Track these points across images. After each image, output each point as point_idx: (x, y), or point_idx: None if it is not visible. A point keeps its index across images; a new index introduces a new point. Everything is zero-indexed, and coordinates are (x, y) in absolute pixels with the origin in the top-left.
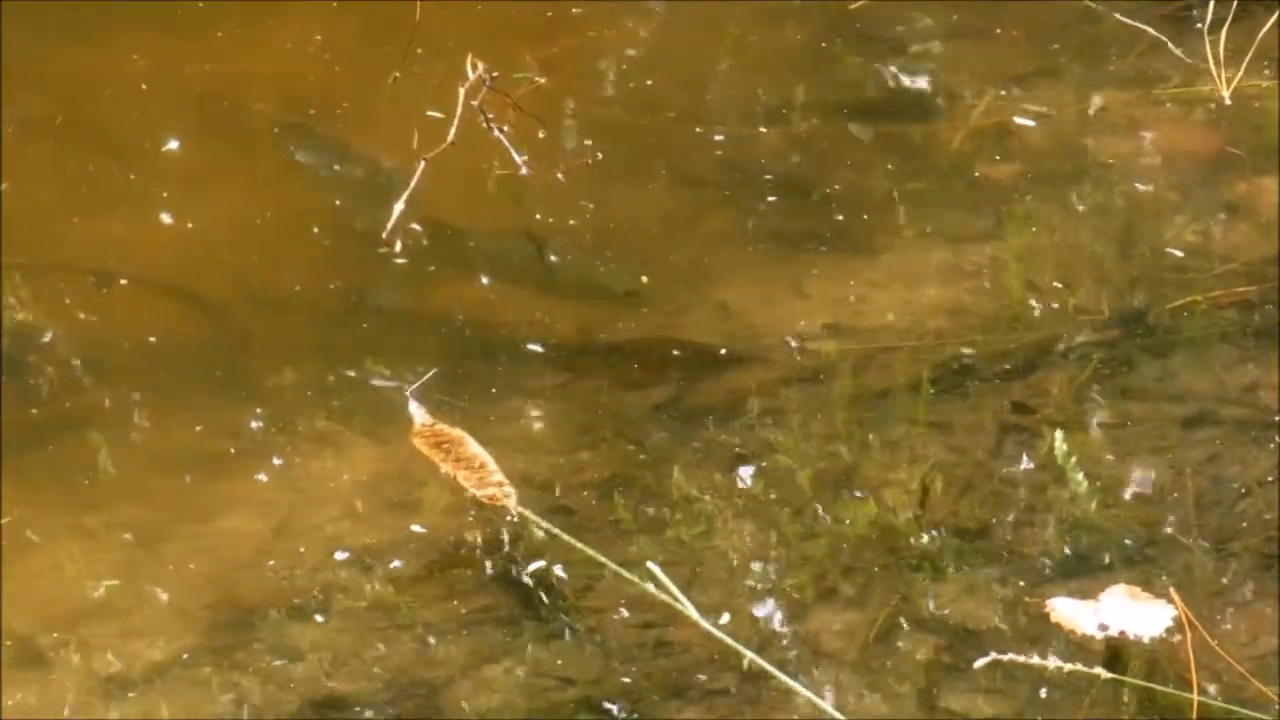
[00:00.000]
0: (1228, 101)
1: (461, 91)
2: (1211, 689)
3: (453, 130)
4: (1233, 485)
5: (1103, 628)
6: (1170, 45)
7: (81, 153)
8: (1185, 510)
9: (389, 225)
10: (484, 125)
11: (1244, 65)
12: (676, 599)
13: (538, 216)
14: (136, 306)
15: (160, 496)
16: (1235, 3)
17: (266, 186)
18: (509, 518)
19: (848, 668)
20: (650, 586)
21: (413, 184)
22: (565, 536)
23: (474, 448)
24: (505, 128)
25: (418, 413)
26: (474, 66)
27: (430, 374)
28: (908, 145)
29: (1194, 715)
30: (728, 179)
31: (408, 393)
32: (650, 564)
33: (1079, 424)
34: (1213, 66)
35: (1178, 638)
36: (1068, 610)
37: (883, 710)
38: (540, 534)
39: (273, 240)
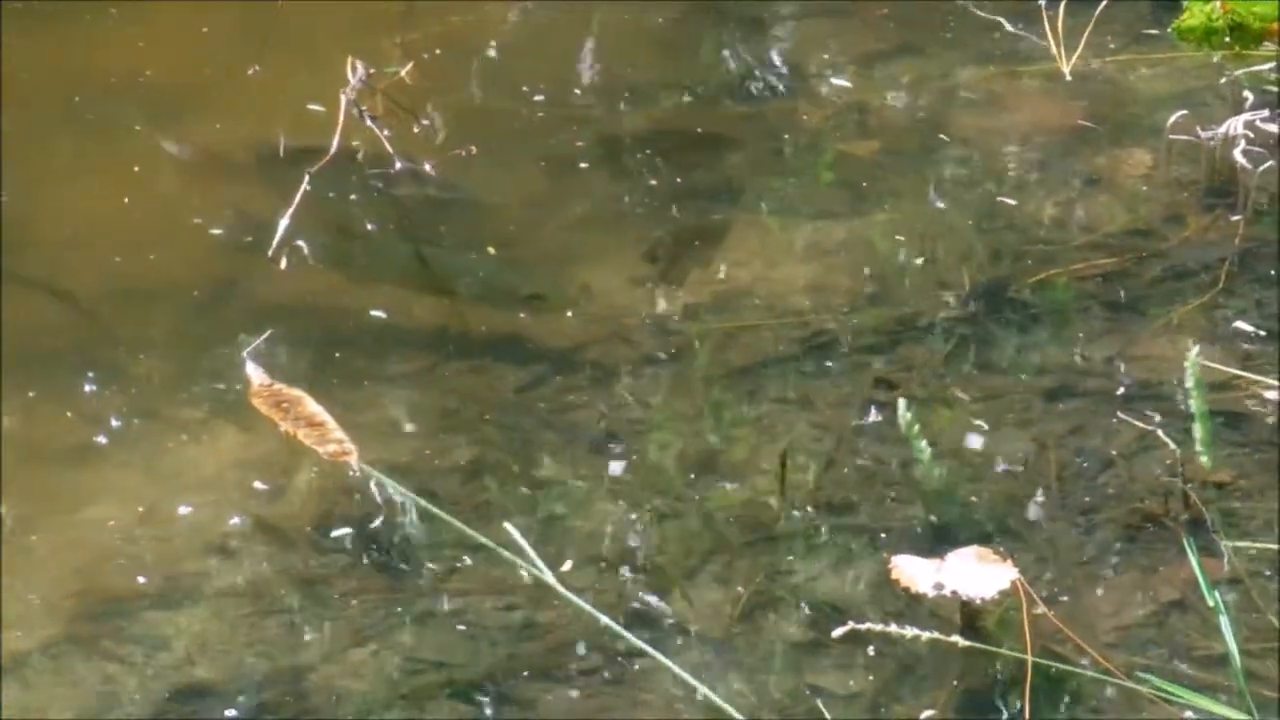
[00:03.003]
0: (1068, 78)
1: (344, 98)
2: (1084, 660)
3: (335, 141)
4: (1095, 457)
5: (938, 587)
6: (1011, 24)
7: None
8: (1049, 482)
9: (274, 242)
10: (357, 117)
11: (1083, 41)
12: (534, 564)
13: (407, 205)
14: (2, 299)
15: (26, 487)
16: None
17: (134, 181)
18: (352, 477)
19: (712, 645)
20: (506, 553)
21: (296, 200)
22: (408, 494)
23: (313, 406)
24: (376, 116)
25: (255, 373)
26: (354, 69)
27: (266, 335)
28: (769, 124)
29: (1028, 676)
30: (591, 162)
31: (244, 354)
32: (507, 525)
33: (942, 398)
34: (1053, 44)
35: (1039, 610)
36: (910, 569)
37: (747, 688)
38: (408, 519)
39: (140, 234)
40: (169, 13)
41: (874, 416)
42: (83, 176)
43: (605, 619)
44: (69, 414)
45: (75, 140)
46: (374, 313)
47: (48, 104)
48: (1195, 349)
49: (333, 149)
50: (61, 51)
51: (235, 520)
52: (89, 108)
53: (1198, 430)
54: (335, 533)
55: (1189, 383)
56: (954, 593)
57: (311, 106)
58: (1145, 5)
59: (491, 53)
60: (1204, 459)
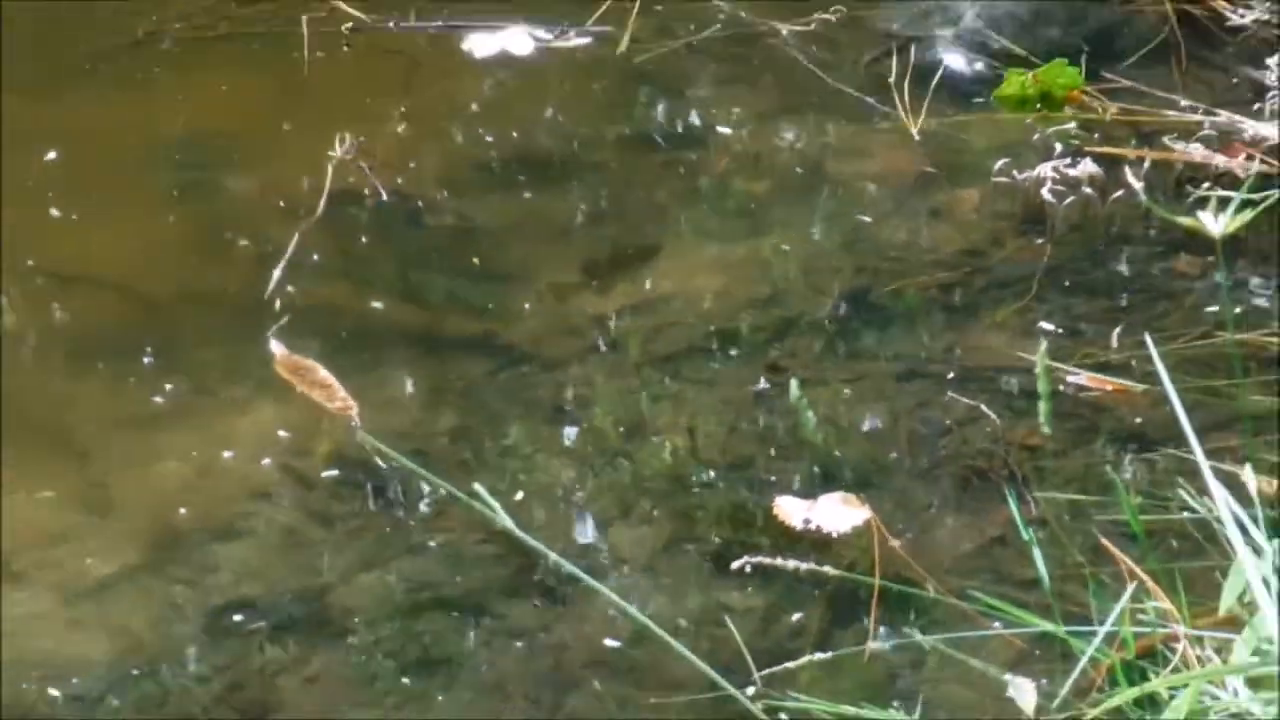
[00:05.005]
0: (916, 136)
1: (329, 167)
2: (931, 584)
3: (322, 202)
4: (936, 426)
5: (806, 522)
6: (869, 95)
7: (68, 175)
8: (900, 445)
9: (269, 289)
10: (351, 162)
11: (924, 107)
12: (495, 511)
13: (394, 232)
14: (88, 302)
15: (111, 450)
16: (902, 57)
17: (193, 211)
18: (363, 444)
19: (640, 571)
20: (478, 505)
21: (289, 252)
22: (397, 456)
23: (323, 373)
24: (370, 166)
25: (277, 348)
26: (341, 141)
27: (284, 319)
28: (685, 168)
29: (874, 597)
30: (545, 197)
31: (268, 334)
32: (476, 485)
33: (820, 380)
34: (902, 110)
35: (892, 544)
36: (788, 508)
37: (667, 605)
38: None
39: (198, 249)
40: (215, 76)
41: (767, 393)
42: (157, 206)
43: (553, 555)
44: (144, 392)
45: (157, 177)
46: (371, 319)
47: (136, 148)
48: (1044, 345)
49: (320, 209)
50: (148, 109)
51: (272, 473)
52: (170, 156)
53: (1042, 406)
54: (349, 483)
55: (1037, 369)
56: (818, 527)
57: (330, 153)
58: (972, 79)
59: (468, 116)
60: (1045, 429)
